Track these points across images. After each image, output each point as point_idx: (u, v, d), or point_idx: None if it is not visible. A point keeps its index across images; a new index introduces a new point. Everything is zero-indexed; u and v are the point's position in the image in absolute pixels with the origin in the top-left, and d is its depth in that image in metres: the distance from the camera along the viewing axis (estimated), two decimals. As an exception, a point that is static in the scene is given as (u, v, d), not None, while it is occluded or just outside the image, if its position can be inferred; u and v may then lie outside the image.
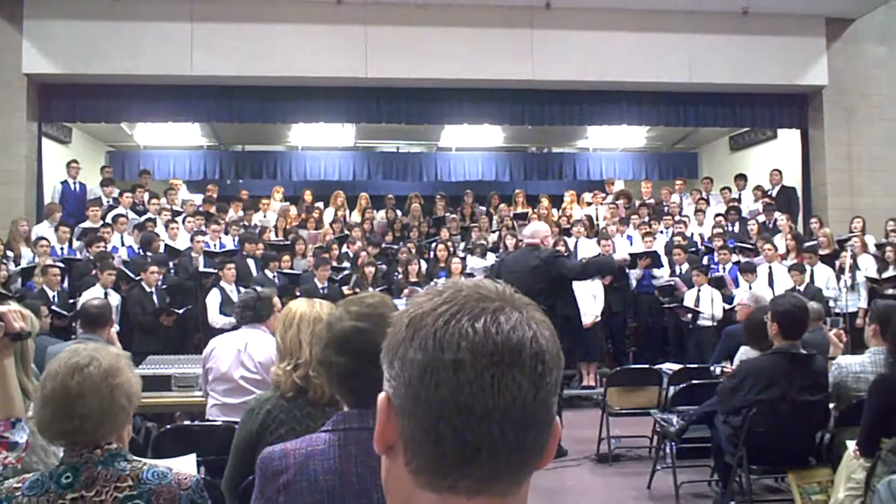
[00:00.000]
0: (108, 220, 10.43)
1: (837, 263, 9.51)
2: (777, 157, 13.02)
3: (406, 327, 0.85)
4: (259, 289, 4.49)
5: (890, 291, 8.89)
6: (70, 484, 1.84)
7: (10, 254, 9.24)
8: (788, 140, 12.88)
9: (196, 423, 4.36)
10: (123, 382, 1.95)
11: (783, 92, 12.00)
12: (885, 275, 9.31)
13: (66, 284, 9.00)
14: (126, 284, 8.84)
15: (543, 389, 0.83)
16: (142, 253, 9.78)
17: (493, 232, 12.05)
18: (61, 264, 8.96)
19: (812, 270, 9.44)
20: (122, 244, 10.13)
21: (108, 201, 11.34)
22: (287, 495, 1.73)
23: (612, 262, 7.52)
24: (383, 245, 11.23)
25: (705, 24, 11.43)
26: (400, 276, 10.05)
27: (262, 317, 4.23)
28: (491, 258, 10.71)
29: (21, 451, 2.17)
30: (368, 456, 1.68)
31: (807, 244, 10.15)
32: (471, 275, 9.84)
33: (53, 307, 7.93)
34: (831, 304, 9.13)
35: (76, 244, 10.09)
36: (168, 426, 4.43)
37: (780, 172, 12.29)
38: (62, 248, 9.80)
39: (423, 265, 10.38)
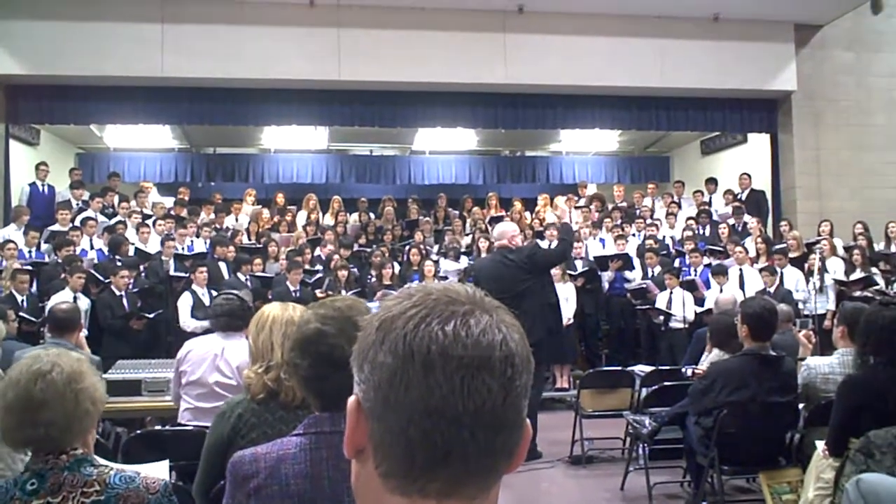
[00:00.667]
0: (77, 223, 10.30)
1: (806, 266, 9.64)
2: (747, 161, 13.17)
3: (376, 330, 0.85)
4: (242, 295, 4.41)
5: (858, 293, 9.00)
6: (35, 490, 1.81)
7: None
8: (758, 144, 13.03)
9: (167, 428, 4.31)
10: (87, 387, 1.93)
11: (753, 97, 12.14)
12: (853, 277, 9.44)
13: (34, 288, 8.86)
14: (96, 288, 8.73)
15: (513, 392, 0.83)
16: (111, 256, 9.66)
17: (467, 235, 12.06)
18: (30, 268, 8.84)
19: (781, 273, 9.55)
20: (92, 247, 10.01)
21: (77, 204, 11.20)
22: (258, 500, 1.71)
23: (569, 230, 7.44)
24: (356, 248, 11.19)
25: (677, 29, 11.54)
26: (373, 280, 10.02)
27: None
28: (464, 261, 10.73)
29: None
30: (340, 460, 1.67)
31: (776, 247, 10.27)
32: (444, 278, 9.84)
33: (21, 312, 7.81)
34: (800, 306, 9.23)
35: (44, 247, 9.95)
36: (138, 431, 4.37)
37: (750, 176, 12.43)
38: (30, 252, 9.66)
39: (397, 268, 10.36)
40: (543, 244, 10.55)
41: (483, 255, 10.09)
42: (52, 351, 2.01)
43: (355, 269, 10.32)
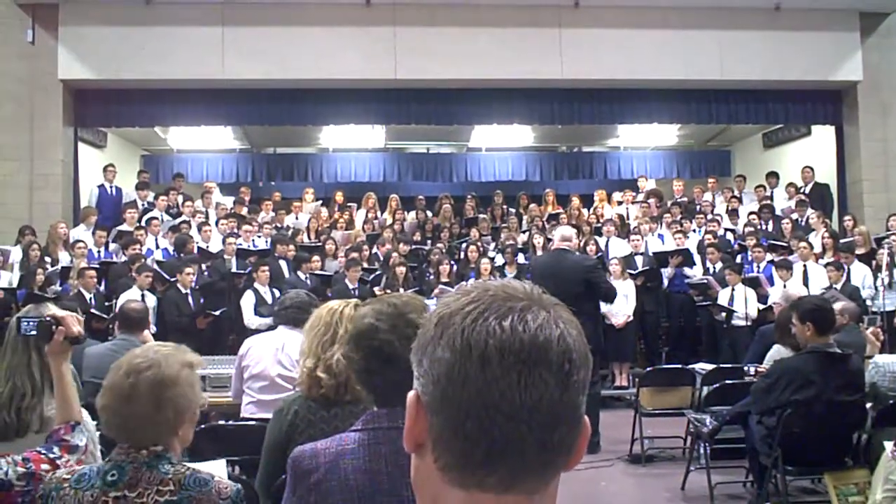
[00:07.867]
0: (142, 223, 10.57)
1: (874, 262, 9.37)
2: (811, 153, 12.84)
3: (435, 326, 0.87)
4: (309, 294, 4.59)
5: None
6: (115, 482, 1.86)
7: (47, 258, 9.39)
8: (823, 137, 12.70)
9: (230, 422, 4.40)
10: (174, 396, 1.94)
11: (817, 88, 11.84)
12: (924, 273, 9.14)
13: (102, 286, 9.13)
14: (161, 286, 8.94)
15: (570, 388, 0.83)
16: (176, 255, 9.88)
17: (523, 232, 12.01)
18: (97, 266, 9.10)
19: (848, 269, 9.30)
20: (157, 247, 10.25)
21: (142, 204, 11.48)
22: (318, 494, 1.74)
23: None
24: (413, 246, 11.22)
25: (736, 19, 11.31)
26: (431, 277, 10.07)
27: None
28: (521, 259, 10.69)
29: (81, 453, 2.19)
30: (398, 455, 1.69)
31: (843, 241, 9.99)
32: (503, 274, 9.83)
33: (92, 309, 8.07)
34: (868, 303, 8.98)
35: (112, 247, 10.24)
36: (202, 426, 4.47)
37: (812, 169, 12.12)
38: (98, 251, 9.95)
39: (454, 266, 10.38)
40: (601, 240, 10.52)
41: (539, 252, 10.03)
42: (165, 348, 2.03)
43: (413, 266, 10.35)
